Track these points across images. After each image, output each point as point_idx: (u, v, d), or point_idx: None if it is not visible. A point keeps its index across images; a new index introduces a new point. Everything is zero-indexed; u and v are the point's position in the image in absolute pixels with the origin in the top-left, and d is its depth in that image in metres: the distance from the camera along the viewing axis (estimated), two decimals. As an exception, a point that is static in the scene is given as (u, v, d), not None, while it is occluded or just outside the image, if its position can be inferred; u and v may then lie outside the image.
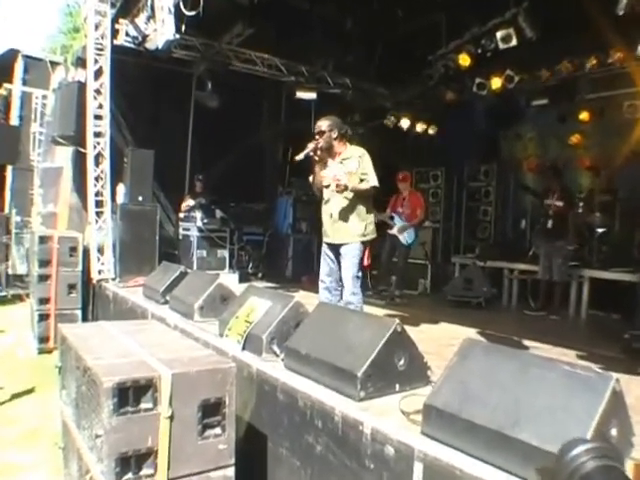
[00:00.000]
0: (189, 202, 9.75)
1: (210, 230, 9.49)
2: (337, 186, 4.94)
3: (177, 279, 6.64)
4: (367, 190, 5.04)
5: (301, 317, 4.33)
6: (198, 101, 10.13)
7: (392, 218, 8.66)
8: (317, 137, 5.05)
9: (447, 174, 11.71)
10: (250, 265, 10.40)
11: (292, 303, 4.39)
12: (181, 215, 9.79)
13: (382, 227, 8.91)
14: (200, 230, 9.38)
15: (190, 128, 10.60)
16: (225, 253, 9.69)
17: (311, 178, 5.27)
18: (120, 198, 8.46)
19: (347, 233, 5.08)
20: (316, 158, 5.03)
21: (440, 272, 10.18)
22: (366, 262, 5.19)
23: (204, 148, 10.68)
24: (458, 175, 11.72)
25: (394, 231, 8.59)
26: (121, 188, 8.51)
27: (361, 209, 5.11)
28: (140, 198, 8.42)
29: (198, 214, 9.42)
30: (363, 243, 5.09)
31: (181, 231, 9.78)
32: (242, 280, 9.45)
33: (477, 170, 11.45)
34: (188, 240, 9.49)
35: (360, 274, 5.08)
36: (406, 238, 8.57)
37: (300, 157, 4.97)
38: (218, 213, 9.78)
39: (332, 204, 5.15)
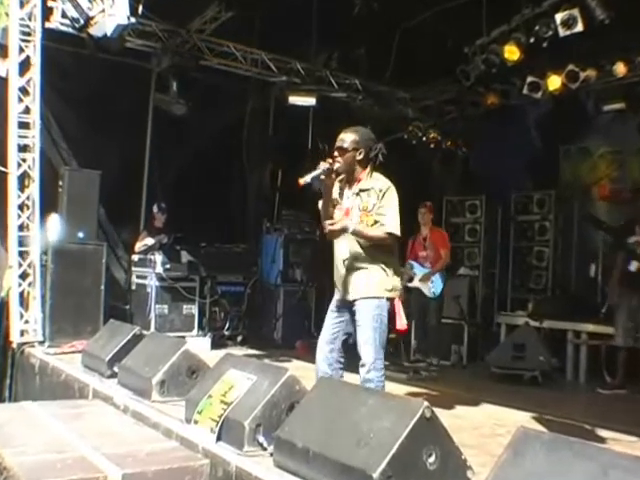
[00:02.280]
0: (146, 241, 9.73)
1: (174, 278, 9.45)
2: (330, 225, 4.81)
3: (129, 344, 6.55)
4: (379, 238, 4.85)
5: (296, 397, 4.26)
6: (159, 107, 10.17)
7: (411, 267, 8.71)
8: (335, 155, 4.88)
9: (488, 204, 11.74)
10: (227, 326, 10.28)
11: (284, 378, 4.31)
12: (135, 258, 9.77)
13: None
14: (160, 278, 9.33)
15: (148, 142, 10.65)
16: (193, 309, 9.65)
17: (321, 206, 5.06)
18: (53, 234, 8.41)
19: (363, 285, 4.90)
20: (328, 183, 4.87)
21: (480, 335, 10.13)
22: (400, 324, 4.96)
23: (167, 169, 10.73)
24: (503, 206, 11.74)
25: (415, 282, 8.67)
26: (55, 220, 8.47)
27: (379, 256, 4.92)
28: (80, 234, 8.38)
29: (158, 257, 9.38)
30: (387, 299, 4.89)
31: (135, 279, 9.74)
32: (216, 346, 9.38)
33: (529, 199, 11.48)
34: (144, 291, 9.44)
35: (383, 342, 4.84)
36: (432, 288, 8.61)
37: (306, 180, 4.74)
38: (184, 256, 9.74)
39: (343, 247, 5.01)
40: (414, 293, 8.73)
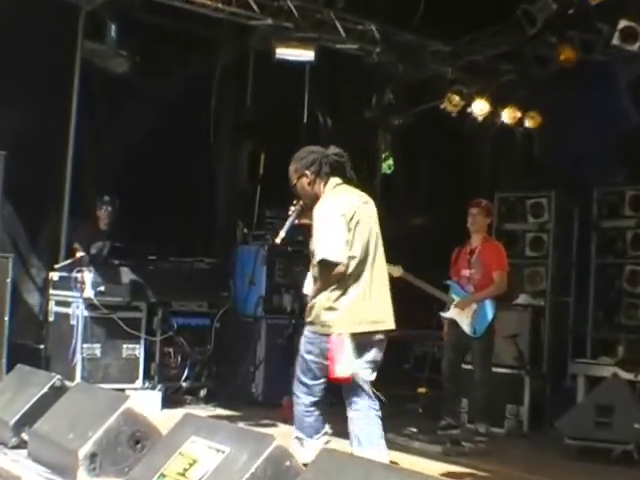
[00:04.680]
0: (78, 253, 9.79)
1: (109, 306, 9.37)
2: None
3: (44, 400, 6.46)
4: (322, 285, 5.86)
5: (287, 477, 4.22)
6: (90, 61, 10.12)
7: (449, 289, 8.85)
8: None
9: (560, 204, 11.75)
10: (185, 374, 10.21)
11: (269, 450, 4.24)
12: (55, 276, 9.71)
13: (431, 305, 9.00)
14: (90, 305, 9.25)
15: (74, 112, 10.52)
16: (137, 350, 9.60)
17: None
18: None
19: (311, 310, 5.96)
20: (310, 222, 5.94)
21: (548, 391, 10.10)
22: (334, 371, 5.62)
23: (101, 150, 10.82)
24: (581, 206, 11.75)
25: (451, 313, 8.76)
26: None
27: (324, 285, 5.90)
28: None
29: (87, 275, 9.29)
30: (321, 334, 5.82)
31: (54, 307, 9.67)
32: (170, 403, 9.38)
33: (619, 196, 11.49)
34: (67, 324, 9.37)
35: (307, 380, 5.94)
36: (474, 324, 8.67)
37: (281, 236, 6.06)
38: (125, 274, 9.67)
39: None
40: (450, 327, 8.84)
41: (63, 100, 10.45)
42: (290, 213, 6.05)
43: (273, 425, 8.28)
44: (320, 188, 5.97)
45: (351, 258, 5.71)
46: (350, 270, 5.74)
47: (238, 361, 10.89)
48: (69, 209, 10.44)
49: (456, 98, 11.39)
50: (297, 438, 5.89)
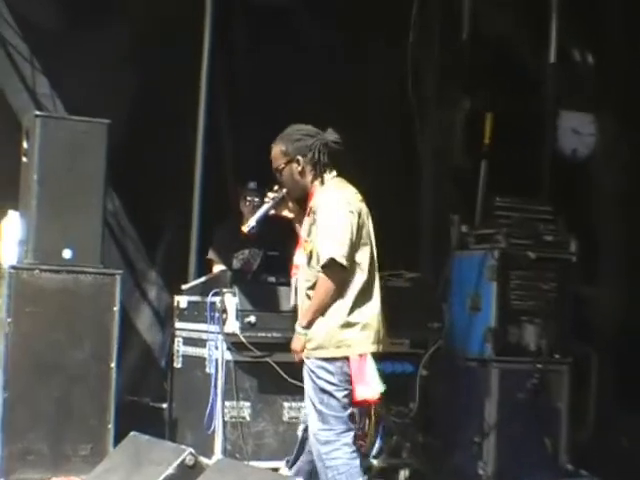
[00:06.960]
0: (215, 266, 10.02)
1: (263, 346, 9.31)
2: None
3: (171, 484, 6.48)
4: (323, 295, 6.77)
5: None
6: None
7: None
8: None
9: None
10: (377, 447, 10.01)
11: None
12: (182, 301, 9.78)
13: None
14: (236, 345, 9.20)
15: (206, 55, 10.54)
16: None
17: None
18: (9, 251, 8.60)
19: (310, 338, 6.90)
20: (289, 216, 7.33)
21: None
22: (360, 393, 6.81)
23: (244, 118, 10.97)
24: None
25: None
26: (12, 223, 8.68)
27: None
28: (67, 252, 8.46)
29: (230, 299, 9.25)
30: (330, 359, 6.79)
31: (181, 346, 9.77)
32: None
33: None
34: (200, 371, 9.41)
35: (336, 412, 6.94)
36: None
37: (251, 225, 7.11)
38: (286, 297, 9.53)
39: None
40: None
41: (190, 42, 10.53)
42: (267, 200, 7.17)
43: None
44: (313, 181, 6.99)
45: (357, 264, 6.78)
46: (363, 278, 6.81)
47: (456, 426, 10.70)
48: (200, 204, 10.51)
49: None
50: None
